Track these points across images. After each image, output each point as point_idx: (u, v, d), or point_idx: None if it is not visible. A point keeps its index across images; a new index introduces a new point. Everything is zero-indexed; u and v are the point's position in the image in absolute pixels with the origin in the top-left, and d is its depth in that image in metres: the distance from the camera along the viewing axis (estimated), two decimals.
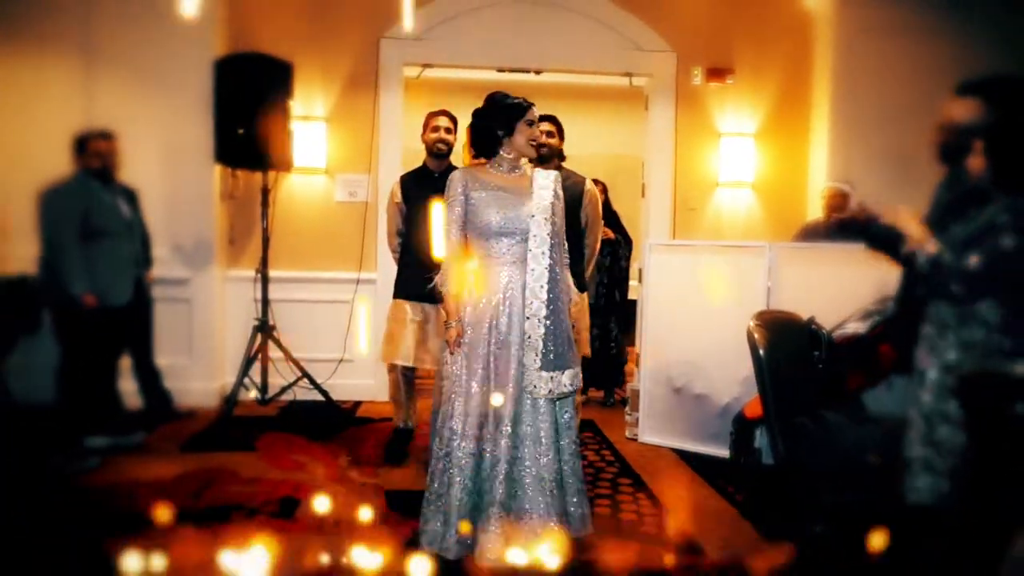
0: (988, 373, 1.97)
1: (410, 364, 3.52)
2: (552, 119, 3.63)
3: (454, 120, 3.61)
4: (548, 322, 2.43)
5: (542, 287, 2.44)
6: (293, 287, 4.79)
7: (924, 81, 4.64)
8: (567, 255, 2.64)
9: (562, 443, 2.51)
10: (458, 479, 2.41)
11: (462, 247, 2.56)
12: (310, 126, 4.78)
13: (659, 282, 4.12)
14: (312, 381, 4.53)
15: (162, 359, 4.19)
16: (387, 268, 4.92)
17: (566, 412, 2.55)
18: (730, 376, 3.83)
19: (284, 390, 4.54)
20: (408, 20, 4.37)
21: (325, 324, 4.85)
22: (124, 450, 3.69)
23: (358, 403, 4.82)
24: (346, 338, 4.85)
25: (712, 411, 3.89)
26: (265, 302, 4.52)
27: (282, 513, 2.95)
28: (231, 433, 4.09)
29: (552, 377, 2.43)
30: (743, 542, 2.79)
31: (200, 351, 4.68)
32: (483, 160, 2.63)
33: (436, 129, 3.55)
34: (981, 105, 2.21)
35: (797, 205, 5.14)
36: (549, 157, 3.62)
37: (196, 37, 4.46)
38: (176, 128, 4.52)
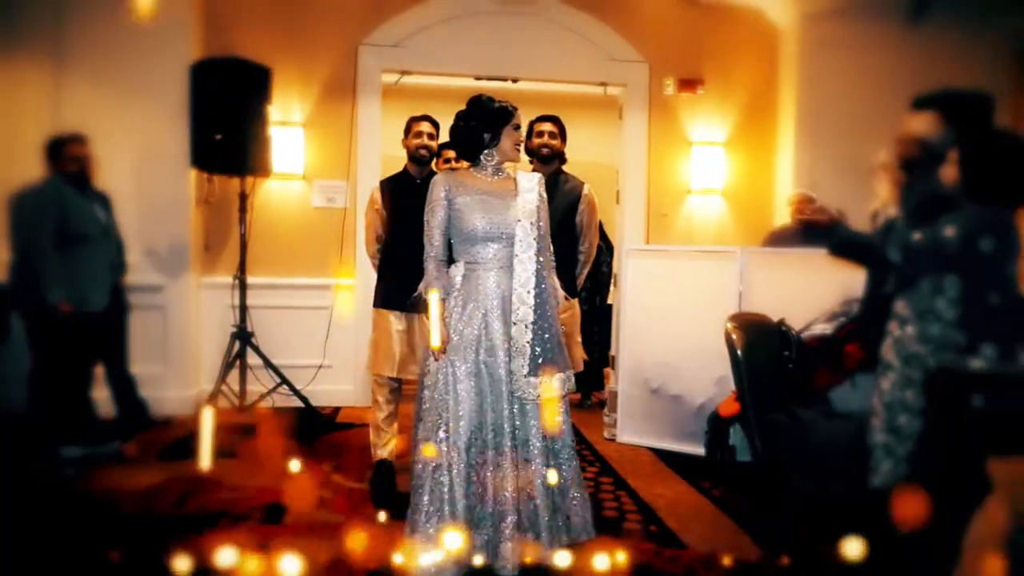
0: (950, 369, 2.11)
1: (396, 375, 3.38)
2: (554, 119, 3.62)
3: (436, 125, 3.53)
4: (536, 327, 2.39)
5: (529, 292, 2.41)
6: (271, 293, 4.79)
7: (882, 94, 4.84)
8: (553, 258, 2.60)
9: (556, 448, 2.47)
10: (451, 491, 2.32)
11: (445, 252, 2.52)
12: (288, 132, 4.79)
13: (635, 286, 4.23)
14: (291, 387, 4.53)
15: (136, 367, 4.14)
16: (366, 274, 4.94)
17: (559, 417, 2.49)
18: (705, 377, 3.95)
19: (263, 397, 4.54)
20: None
21: (304, 330, 4.86)
22: (100, 459, 3.66)
23: (338, 408, 4.83)
24: (325, 344, 4.86)
25: (688, 411, 4.00)
26: (243, 308, 4.51)
27: (270, 519, 2.97)
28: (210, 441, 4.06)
29: (542, 382, 2.39)
30: (722, 535, 2.90)
31: (175, 358, 4.64)
32: (465, 164, 2.60)
33: (419, 134, 3.46)
34: (938, 118, 2.39)
35: (765, 211, 5.31)
36: (551, 159, 3.64)
37: (170, 41, 4.46)
38: (150, 133, 4.50)
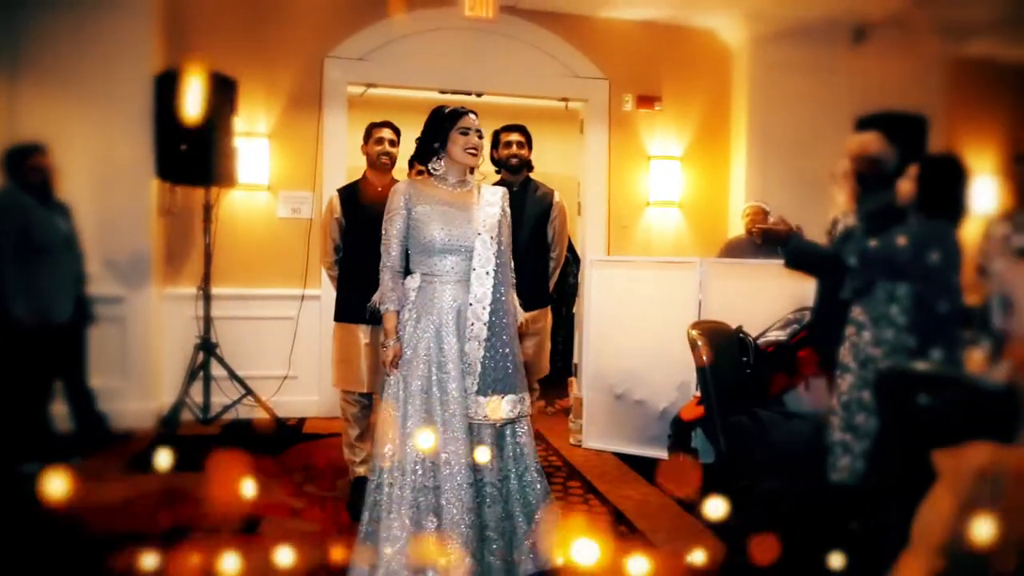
0: (897, 369, 2.29)
1: (366, 391, 3.29)
2: (521, 129, 3.65)
3: (398, 132, 3.44)
4: (489, 344, 2.31)
5: (484, 308, 2.33)
6: (235, 304, 4.77)
7: (827, 112, 5.13)
8: (514, 275, 2.53)
9: (513, 471, 2.39)
10: (388, 510, 2.26)
11: (402, 263, 2.46)
12: (253, 143, 4.79)
13: (599, 295, 4.37)
14: (257, 399, 4.52)
15: (95, 380, 4.08)
16: (331, 284, 4.98)
17: (520, 437, 2.43)
18: (666, 382, 4.11)
19: (227, 408, 4.51)
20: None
21: (268, 341, 4.85)
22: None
23: (303, 419, 4.83)
24: (291, 355, 4.86)
25: (651, 415, 4.15)
26: (207, 319, 4.49)
27: (245, 530, 2.98)
28: (175, 454, 4.03)
29: (490, 402, 2.30)
30: (688, 533, 3.03)
31: (135, 371, 4.58)
32: (428, 174, 2.52)
33: (380, 141, 3.35)
34: (881, 137, 2.61)
35: (719, 223, 5.53)
36: (519, 168, 3.69)
37: (131, 51, 4.43)
38: (109, 142, 4.44)
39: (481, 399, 2.31)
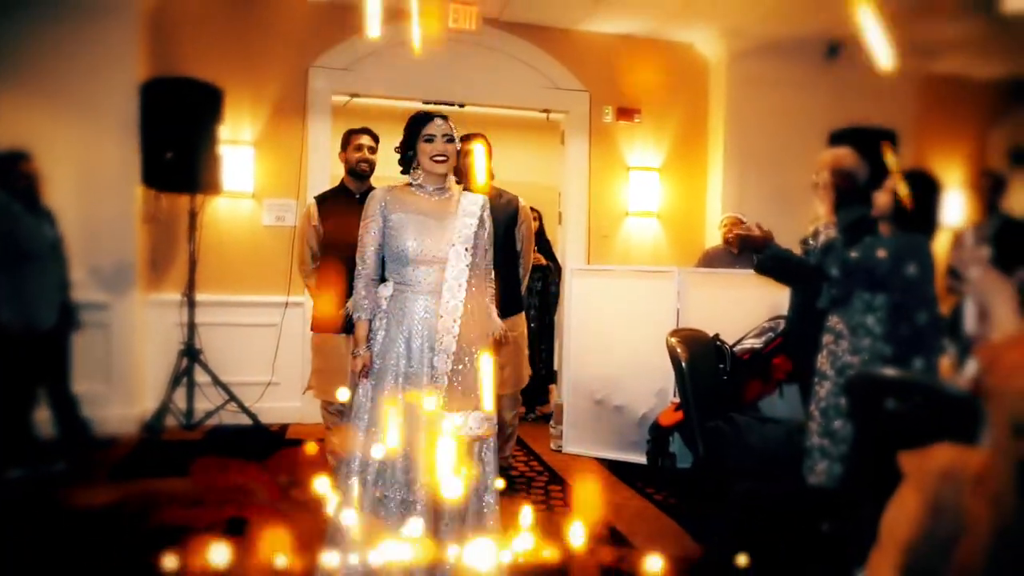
0: (867, 375, 2.40)
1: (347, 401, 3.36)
2: (482, 138, 3.53)
3: (376, 139, 3.43)
4: (458, 359, 2.26)
5: (455, 321, 2.27)
6: (218, 310, 4.78)
7: (800, 125, 5.29)
8: (492, 285, 2.47)
9: (473, 490, 2.33)
10: (344, 523, 2.23)
11: (378, 272, 2.41)
12: (238, 150, 4.82)
13: (580, 304, 4.46)
14: (240, 404, 4.54)
15: (79, 385, 4.09)
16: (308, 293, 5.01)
17: (485, 454, 2.37)
18: (645, 389, 4.20)
19: (211, 414, 4.53)
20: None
21: (251, 347, 4.87)
22: (44, 481, 3.60)
23: (286, 425, 4.85)
24: (274, 361, 4.88)
25: (630, 421, 4.23)
26: (192, 326, 4.50)
27: (232, 532, 3.01)
28: (159, 459, 4.05)
29: (456, 416, 2.24)
30: (666, 535, 3.12)
31: (119, 377, 4.58)
32: (409, 182, 2.47)
33: (359, 148, 3.35)
34: (853, 152, 2.73)
35: (696, 232, 5.66)
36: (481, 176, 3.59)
37: (116, 60, 4.45)
38: (93, 149, 4.46)
39: (447, 414, 2.23)
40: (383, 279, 2.42)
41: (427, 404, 2.26)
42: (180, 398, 4.50)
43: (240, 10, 4.86)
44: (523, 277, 3.74)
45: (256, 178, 4.93)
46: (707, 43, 5.56)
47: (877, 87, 5.46)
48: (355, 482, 2.27)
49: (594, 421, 4.37)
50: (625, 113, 5.51)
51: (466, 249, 2.33)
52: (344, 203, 3.32)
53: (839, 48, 5.48)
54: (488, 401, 2.28)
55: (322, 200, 3.44)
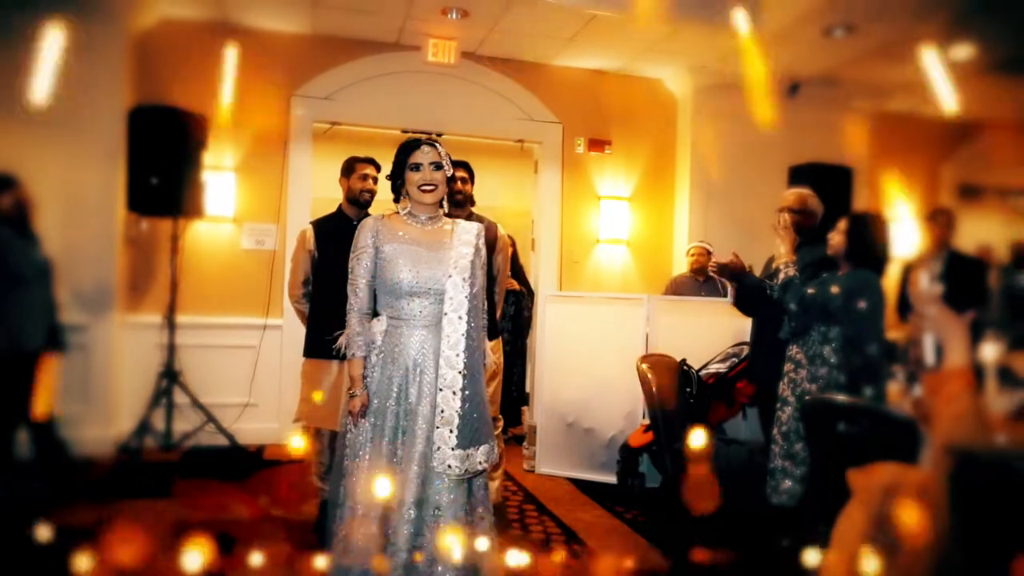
0: (820, 401, 2.60)
1: (336, 428, 3.09)
2: (464, 165, 3.59)
3: (379, 168, 3.39)
4: (465, 396, 2.17)
5: (458, 355, 2.17)
6: (197, 332, 4.85)
7: (762, 159, 5.59)
8: (486, 318, 2.41)
9: (472, 520, 2.29)
10: (339, 563, 2.18)
11: (370, 305, 2.32)
12: (219, 176, 4.92)
13: (552, 328, 4.62)
14: (219, 426, 4.59)
15: (56, 406, 4.11)
16: (293, 314, 5.10)
17: (479, 488, 2.33)
18: (615, 411, 4.37)
19: (189, 435, 4.58)
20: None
21: (230, 369, 4.93)
22: (24, 501, 3.62)
23: (263, 446, 4.91)
24: (252, 383, 4.95)
25: (600, 442, 4.39)
26: (171, 347, 4.56)
27: (221, 550, 3.08)
28: (139, 480, 4.09)
29: (468, 455, 2.17)
30: (635, 550, 3.27)
31: (97, 398, 4.60)
32: (398, 210, 2.40)
33: (364, 177, 3.33)
34: (811, 192, 2.95)
35: (664, 260, 5.88)
36: (463, 203, 3.58)
37: (103, 88, 4.53)
38: (78, 174, 4.51)
39: (459, 452, 2.15)
40: (375, 313, 2.33)
41: (426, 443, 2.17)
42: (158, 419, 4.54)
43: (224, 40, 4.97)
44: (497, 304, 3.73)
45: (237, 203, 5.02)
46: (674, 79, 5.82)
47: (834, 125, 5.80)
48: (356, 526, 2.17)
49: (566, 442, 4.52)
50: (596, 144, 5.73)
51: (464, 279, 2.23)
52: (342, 230, 3.23)
53: (798, 87, 5.79)
54: (492, 431, 2.26)
55: (319, 226, 3.39)
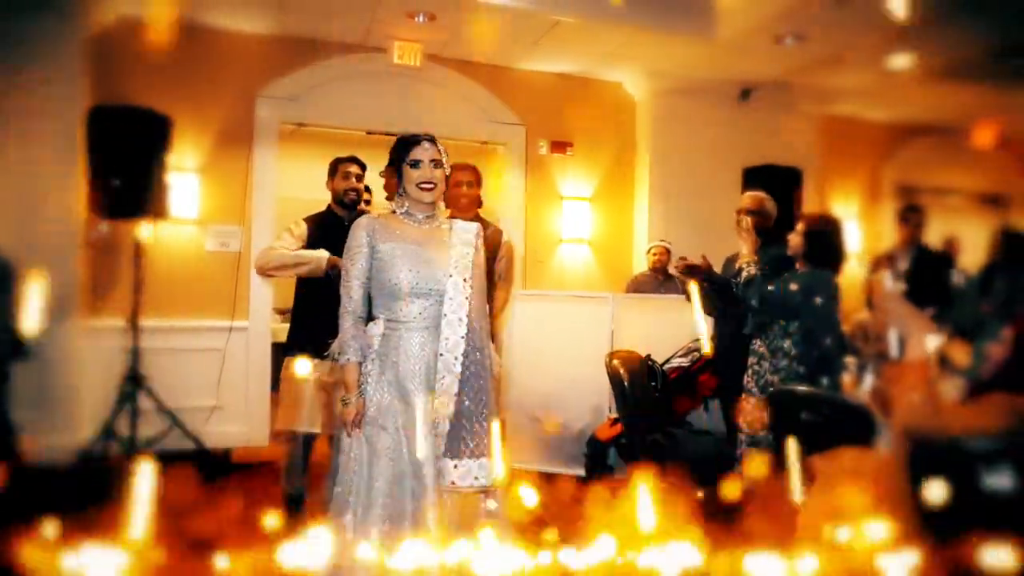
0: (784, 391, 2.76)
1: (314, 430, 3.12)
2: (472, 168, 3.49)
3: (363, 167, 3.33)
4: (459, 400, 2.06)
5: (456, 359, 2.08)
6: (161, 336, 4.79)
7: (717, 160, 5.81)
8: (488, 319, 2.30)
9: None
10: None
11: (365, 308, 2.21)
12: (182, 177, 4.87)
13: (521, 326, 4.72)
14: (185, 430, 4.55)
15: (14, 413, 4.03)
16: (259, 315, 5.10)
17: (491, 502, 2.16)
18: (583, 406, 4.50)
19: (155, 440, 4.52)
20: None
21: (195, 372, 4.89)
22: None
23: (229, 449, 4.89)
24: (218, 386, 4.92)
25: (568, 436, 4.52)
26: (136, 352, 4.50)
27: (201, 551, 3.09)
28: (102, 486, 4.03)
29: (458, 465, 2.04)
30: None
31: (56, 404, 4.51)
32: (394, 209, 2.31)
33: (347, 176, 3.24)
34: (770, 197, 3.12)
35: (625, 259, 6.04)
36: (469, 207, 3.46)
37: (61, 88, 4.44)
38: (36, 177, 4.42)
39: (449, 462, 2.03)
40: (370, 317, 2.24)
41: (430, 452, 2.06)
42: (123, 425, 4.48)
43: (186, 40, 4.91)
44: (500, 310, 3.56)
45: (201, 204, 4.97)
46: (634, 83, 5.99)
47: (784, 127, 6.05)
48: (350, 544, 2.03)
49: (534, 436, 4.62)
50: (559, 146, 5.85)
51: (464, 280, 2.15)
52: (334, 229, 3.17)
53: (751, 91, 6.03)
54: (494, 447, 2.10)
55: (311, 221, 3.29)
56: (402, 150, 2.22)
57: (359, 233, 2.21)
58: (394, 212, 2.28)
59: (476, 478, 2.06)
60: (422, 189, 2.20)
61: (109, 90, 4.64)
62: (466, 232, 2.26)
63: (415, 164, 2.20)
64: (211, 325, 4.96)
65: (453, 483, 2.04)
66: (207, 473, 4.28)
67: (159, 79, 4.79)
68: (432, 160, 2.21)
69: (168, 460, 4.46)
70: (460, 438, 2.05)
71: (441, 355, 2.10)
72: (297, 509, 3.27)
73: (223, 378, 4.95)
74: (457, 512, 2.07)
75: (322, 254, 3.03)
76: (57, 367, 4.52)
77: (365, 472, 2.10)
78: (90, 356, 4.69)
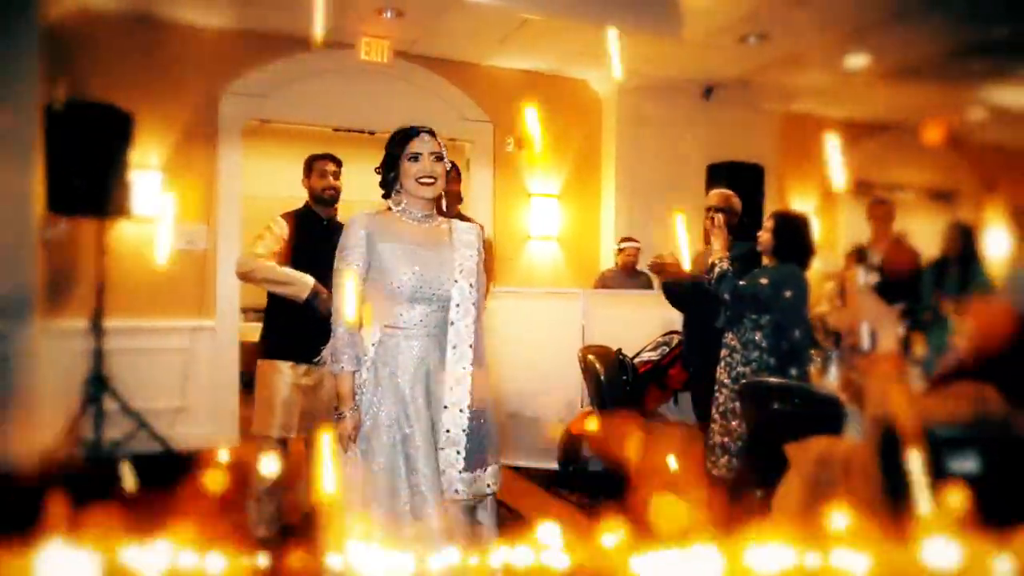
0: (756, 382, 2.85)
1: (278, 434, 3.04)
2: (451, 164, 3.19)
3: (339, 164, 3.22)
4: (473, 413, 1.97)
5: (466, 369, 1.97)
6: (125, 336, 4.69)
7: (681, 157, 5.92)
8: (483, 327, 2.18)
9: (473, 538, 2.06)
10: None
11: (360, 310, 2.02)
12: (146, 175, 4.77)
13: (492, 323, 4.75)
14: (150, 431, 4.48)
15: None
16: (226, 315, 5.03)
17: (484, 511, 2.13)
18: (556, 400, 4.55)
19: (119, 442, 4.44)
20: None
21: (160, 373, 4.81)
22: None
23: (196, 451, 4.80)
24: (184, 386, 4.84)
25: (542, 431, 4.57)
26: (99, 353, 4.41)
27: (155, 558, 3.04)
28: (68, 491, 3.95)
29: (476, 478, 1.98)
30: (580, 530, 3.45)
31: (16, 408, 4.39)
32: (390, 207, 2.14)
33: (324, 174, 3.14)
34: (735, 194, 3.21)
35: (592, 255, 6.12)
36: (451, 203, 3.30)
37: (14, 84, 4.31)
38: None
39: (467, 475, 1.96)
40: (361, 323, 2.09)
41: (431, 466, 1.94)
42: (87, 427, 4.38)
43: (148, 34, 4.82)
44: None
45: (164, 202, 4.87)
46: (600, 81, 6.06)
47: (746, 125, 6.19)
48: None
49: (509, 432, 4.66)
50: (526, 143, 5.89)
51: (470, 284, 2.05)
52: (313, 227, 3.11)
53: (713, 89, 6.15)
54: (497, 450, 2.07)
55: (289, 219, 3.16)
56: (399, 143, 2.06)
57: (355, 231, 2.03)
58: (390, 210, 2.11)
59: (489, 485, 2.04)
60: (422, 184, 2.04)
61: (68, 85, 4.52)
62: (467, 233, 2.14)
63: (414, 157, 2.04)
64: (177, 325, 4.88)
65: (456, 492, 1.97)
66: (173, 474, 4.22)
67: (120, 74, 4.68)
68: (432, 153, 2.06)
69: (134, 463, 4.42)
70: (471, 449, 1.98)
71: (450, 366, 2.00)
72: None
73: (190, 379, 4.87)
74: (455, 521, 1.98)
75: (307, 280, 2.93)
76: (15, 370, 4.40)
77: (359, 488, 1.98)
78: (52, 357, 4.57)
